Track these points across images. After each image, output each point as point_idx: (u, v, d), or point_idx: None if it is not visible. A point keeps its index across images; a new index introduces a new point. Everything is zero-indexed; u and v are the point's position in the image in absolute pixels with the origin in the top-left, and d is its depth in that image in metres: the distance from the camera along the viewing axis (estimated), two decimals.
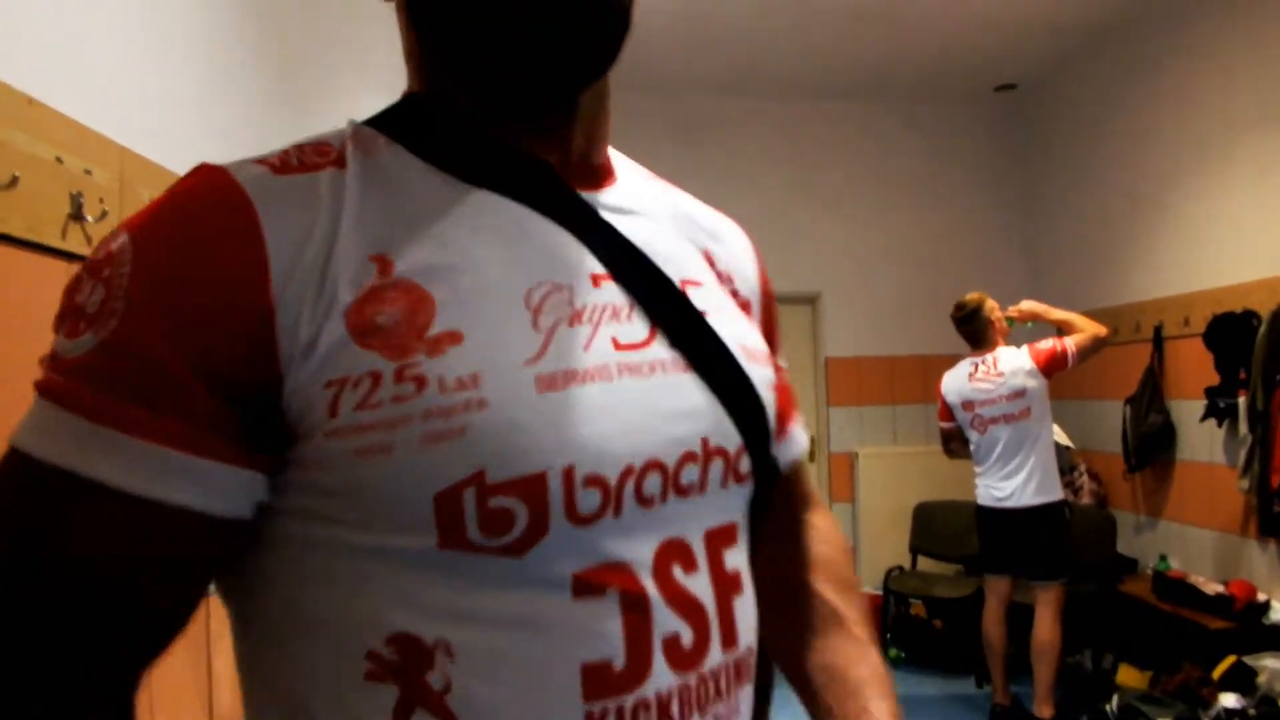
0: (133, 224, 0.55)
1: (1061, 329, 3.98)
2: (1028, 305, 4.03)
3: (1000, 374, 3.80)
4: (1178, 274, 4.60)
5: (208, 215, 0.54)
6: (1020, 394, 3.76)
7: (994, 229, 6.06)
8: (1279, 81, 3.93)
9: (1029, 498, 3.75)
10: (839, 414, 5.76)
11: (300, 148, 0.61)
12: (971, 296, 3.98)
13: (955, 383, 3.97)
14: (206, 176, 0.56)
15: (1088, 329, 3.83)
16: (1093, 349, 3.81)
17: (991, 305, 3.94)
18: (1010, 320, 4.00)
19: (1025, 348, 3.85)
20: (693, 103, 5.70)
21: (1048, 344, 3.83)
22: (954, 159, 6.01)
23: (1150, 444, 4.61)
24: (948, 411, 4.02)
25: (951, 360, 4.10)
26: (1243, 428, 3.91)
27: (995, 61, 5.42)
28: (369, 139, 0.62)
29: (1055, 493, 3.83)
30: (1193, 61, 4.46)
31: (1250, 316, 3.97)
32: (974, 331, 3.93)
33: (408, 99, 0.67)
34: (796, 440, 0.83)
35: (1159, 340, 4.66)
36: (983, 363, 3.87)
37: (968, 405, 3.89)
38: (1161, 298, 4.70)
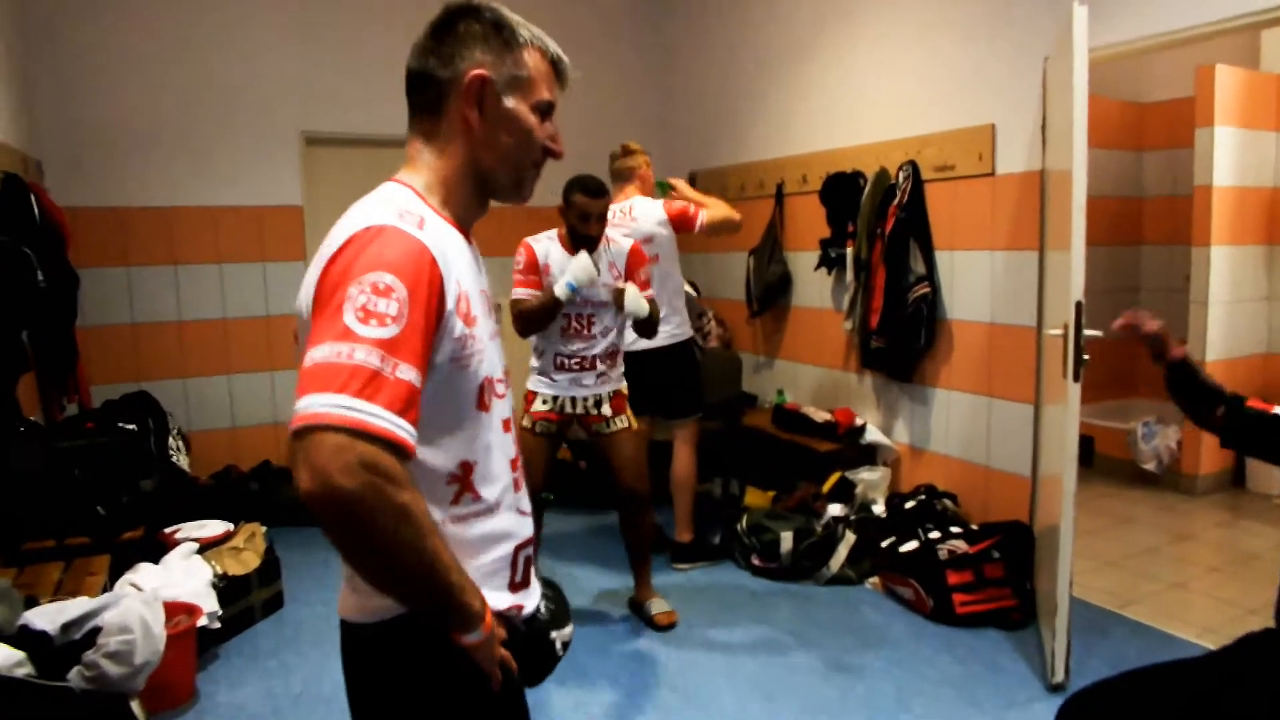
0: None
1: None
2: (681, 184, 4.36)
3: (634, 219, 3.99)
4: (798, 136, 5.02)
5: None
6: (649, 240, 3.93)
7: (633, 72, 6.21)
8: None
9: (661, 339, 3.97)
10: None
11: None
12: (636, 144, 4.17)
13: None
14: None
15: (723, 211, 4.10)
16: (722, 228, 4.10)
17: (647, 160, 4.14)
18: (665, 186, 4.26)
19: (660, 202, 4.06)
20: None
21: (682, 204, 4.06)
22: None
23: (771, 291, 5.10)
24: None
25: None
26: (849, 275, 4.43)
27: None
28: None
29: (685, 332, 4.14)
30: None
31: (858, 177, 4.45)
32: (622, 169, 4.12)
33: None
34: None
35: (780, 196, 5.09)
36: (620, 210, 4.02)
37: None
38: (783, 157, 5.12)
